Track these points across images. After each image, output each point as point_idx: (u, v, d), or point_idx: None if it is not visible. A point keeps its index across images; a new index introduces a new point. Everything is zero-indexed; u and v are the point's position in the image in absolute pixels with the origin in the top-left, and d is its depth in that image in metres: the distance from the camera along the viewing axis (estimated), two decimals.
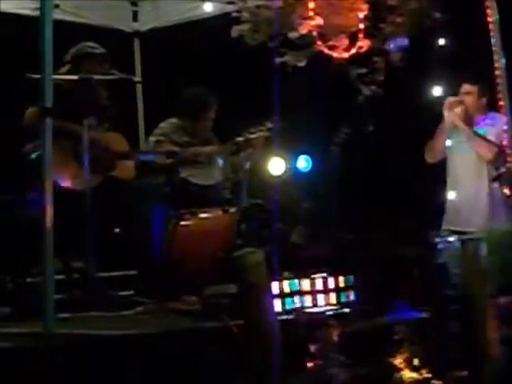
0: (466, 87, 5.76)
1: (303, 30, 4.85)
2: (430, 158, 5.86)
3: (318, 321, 4.73)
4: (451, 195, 5.75)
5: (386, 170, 6.86)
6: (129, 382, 3.79)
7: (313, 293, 4.98)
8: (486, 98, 5.73)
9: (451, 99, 5.74)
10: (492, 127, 5.67)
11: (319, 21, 4.82)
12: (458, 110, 5.71)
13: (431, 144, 5.84)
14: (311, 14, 4.82)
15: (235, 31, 5.08)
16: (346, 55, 4.88)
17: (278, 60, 4.90)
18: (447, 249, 5.41)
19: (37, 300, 3.84)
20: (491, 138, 5.61)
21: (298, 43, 4.99)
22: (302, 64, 5.05)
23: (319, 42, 4.85)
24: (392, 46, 5.00)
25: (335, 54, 4.86)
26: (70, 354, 3.63)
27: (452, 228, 5.65)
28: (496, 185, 5.62)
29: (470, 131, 5.68)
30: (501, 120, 5.47)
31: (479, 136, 5.66)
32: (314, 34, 4.84)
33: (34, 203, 4.23)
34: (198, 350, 4.04)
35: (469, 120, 5.74)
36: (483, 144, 5.64)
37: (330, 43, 4.91)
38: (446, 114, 5.71)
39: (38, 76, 3.94)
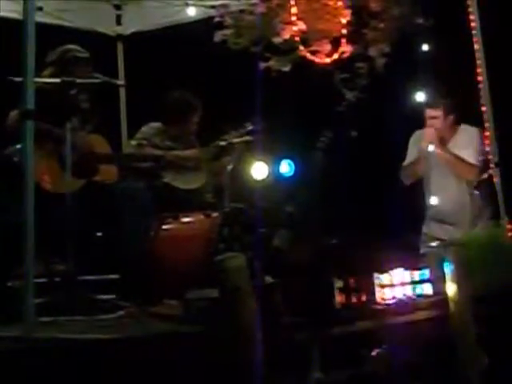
0: (430, 112, 5.68)
1: (285, 35, 4.86)
2: (407, 180, 5.81)
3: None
4: (434, 202, 5.74)
5: (369, 174, 6.86)
6: None
7: None
8: (452, 115, 5.68)
9: (420, 134, 5.71)
10: (469, 143, 5.64)
11: (302, 26, 4.82)
12: (428, 141, 5.64)
13: (410, 169, 5.78)
14: (294, 19, 4.83)
15: (218, 36, 5.08)
16: (328, 60, 4.89)
17: (262, 65, 4.91)
18: (430, 253, 5.41)
19: (17, 303, 3.81)
20: (470, 156, 5.58)
21: (283, 48, 5.00)
22: (286, 69, 5.05)
23: (301, 47, 4.86)
24: None
25: (317, 60, 4.87)
26: (51, 358, 3.60)
27: (436, 236, 5.65)
28: (477, 191, 5.64)
29: (448, 154, 5.64)
30: (474, 133, 5.49)
31: (458, 158, 5.62)
32: (297, 39, 4.86)
33: (15, 206, 4.20)
34: (180, 355, 4.02)
35: (441, 141, 5.69)
36: (463, 166, 5.62)
37: (313, 48, 4.92)
38: (421, 146, 5.68)
39: (19, 79, 3.93)
